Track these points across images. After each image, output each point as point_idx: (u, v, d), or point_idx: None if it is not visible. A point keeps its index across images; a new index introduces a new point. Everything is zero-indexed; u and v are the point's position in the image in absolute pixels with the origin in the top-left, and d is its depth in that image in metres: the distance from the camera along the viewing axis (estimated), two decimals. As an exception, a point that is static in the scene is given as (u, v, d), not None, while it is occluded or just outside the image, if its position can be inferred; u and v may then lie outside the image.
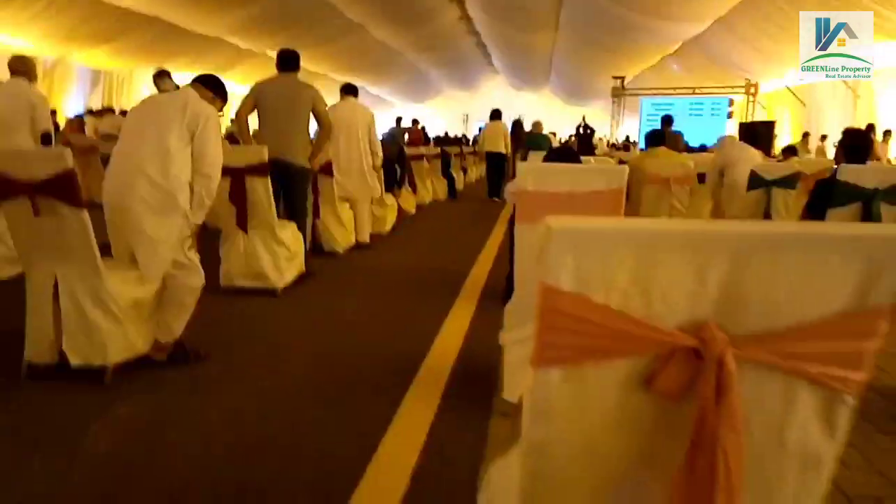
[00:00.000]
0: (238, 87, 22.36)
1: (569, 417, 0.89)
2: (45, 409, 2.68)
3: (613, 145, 20.97)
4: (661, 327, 0.82)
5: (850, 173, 3.81)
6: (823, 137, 16.54)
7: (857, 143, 3.99)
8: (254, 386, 2.99)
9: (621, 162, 10.91)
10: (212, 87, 3.36)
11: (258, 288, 4.52)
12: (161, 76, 6.09)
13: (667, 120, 8.07)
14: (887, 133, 13.04)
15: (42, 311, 2.86)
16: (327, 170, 5.86)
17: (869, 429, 2.69)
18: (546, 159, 3.28)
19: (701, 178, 6.10)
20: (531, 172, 2.59)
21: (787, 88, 19.67)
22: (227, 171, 4.32)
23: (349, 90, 6.35)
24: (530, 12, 17.57)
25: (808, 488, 0.91)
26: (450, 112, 38.50)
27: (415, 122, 17.71)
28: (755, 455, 0.89)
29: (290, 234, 4.71)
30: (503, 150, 11.64)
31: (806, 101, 19.32)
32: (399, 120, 16.16)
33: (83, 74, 17.07)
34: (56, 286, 2.83)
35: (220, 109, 3.41)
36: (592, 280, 0.81)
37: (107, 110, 14.45)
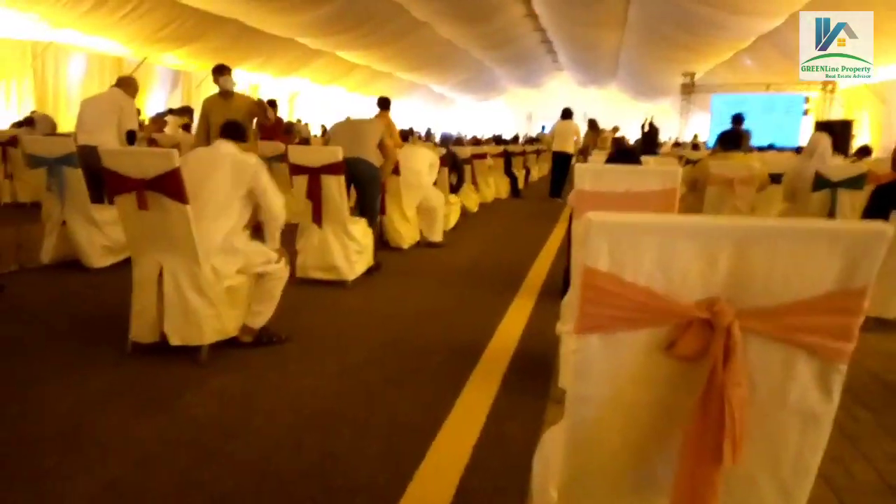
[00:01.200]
0: (309, 85, 23.22)
1: (605, 375, 1.09)
2: (149, 379, 3.05)
3: (678, 143, 20.55)
4: (680, 302, 1.01)
5: (916, 174, 3.80)
6: (905, 136, 15.75)
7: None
8: (329, 366, 3.29)
9: (688, 161, 10.84)
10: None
11: (331, 280, 4.84)
12: (222, 72, 5.86)
13: (737, 119, 7.95)
14: None
15: (147, 295, 3.25)
16: (395, 169, 6.15)
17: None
18: (609, 161, 3.43)
19: (776, 178, 6.07)
20: (589, 173, 2.77)
21: (867, 86, 18.81)
22: (304, 169, 4.71)
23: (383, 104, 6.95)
24: (598, 8, 17.47)
25: (809, 443, 1.09)
26: (513, 110, 38.52)
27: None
28: (761, 414, 1.07)
29: (360, 229, 5.01)
30: (570, 150, 11.67)
31: (888, 98, 18.43)
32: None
33: (164, 75, 18.11)
34: (161, 274, 3.20)
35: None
36: (624, 262, 1.01)
37: (186, 109, 15.32)
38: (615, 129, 15.98)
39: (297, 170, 4.78)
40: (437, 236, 6.78)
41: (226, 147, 3.40)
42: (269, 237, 3.54)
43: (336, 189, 4.73)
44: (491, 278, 5.41)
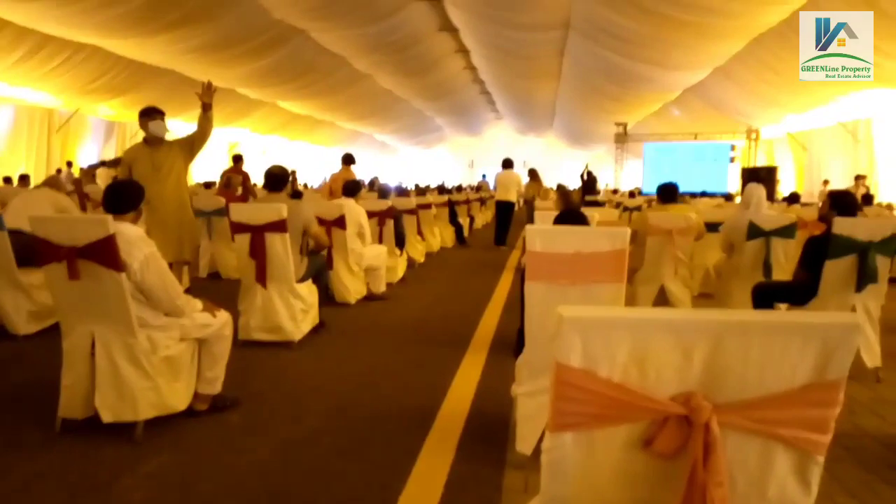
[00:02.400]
0: (249, 135, 23.00)
1: (581, 474, 1.04)
2: (81, 461, 2.82)
3: (615, 190, 21.28)
4: (656, 398, 0.98)
5: (845, 227, 3.99)
6: (825, 182, 16.78)
7: (845, 201, 4.18)
8: (276, 437, 3.12)
9: (626, 209, 11.17)
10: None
11: (276, 341, 4.67)
12: (151, 115, 4.98)
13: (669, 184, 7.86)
14: (859, 177, 13.32)
15: (78, 369, 3.03)
16: (341, 223, 6.07)
17: (870, 478, 2.78)
18: (556, 221, 3.47)
19: (712, 226, 6.29)
20: (539, 234, 2.77)
21: (789, 134, 20.06)
22: (247, 228, 4.58)
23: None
24: (533, 61, 18.12)
25: (788, 536, 1.06)
26: (455, 157, 39.20)
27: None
28: (741, 507, 1.04)
29: (305, 286, 4.88)
30: (513, 199, 11.94)
31: (807, 146, 19.68)
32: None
33: (98, 126, 17.64)
34: (93, 345, 3.00)
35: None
36: (597, 358, 0.97)
37: (119, 161, 14.89)
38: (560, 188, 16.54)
39: (238, 228, 4.64)
40: (381, 288, 6.69)
41: (115, 224, 2.93)
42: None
43: (281, 247, 4.61)
44: (440, 333, 5.34)
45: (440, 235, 11.44)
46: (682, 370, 0.98)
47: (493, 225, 13.10)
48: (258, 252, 4.56)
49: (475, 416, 3.45)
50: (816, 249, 4.07)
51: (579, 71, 18.63)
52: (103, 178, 13.38)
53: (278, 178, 5.01)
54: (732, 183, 20.95)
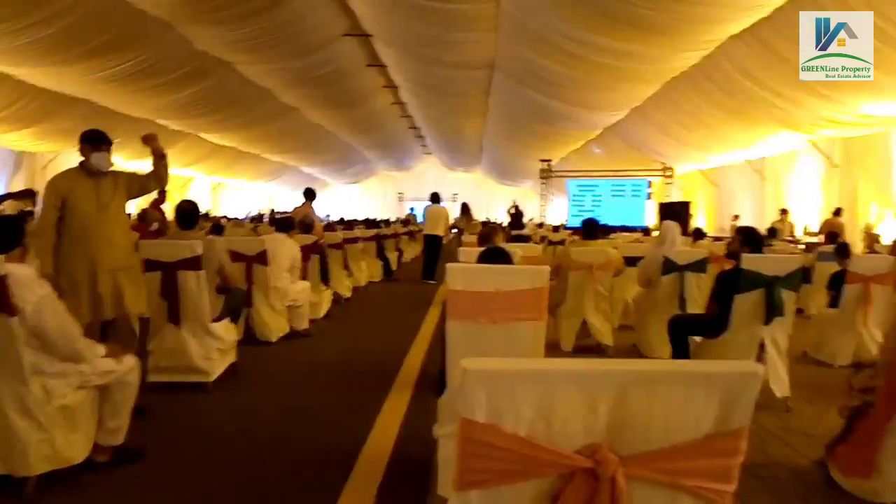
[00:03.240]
0: (172, 170, 22.22)
1: (488, 533, 0.99)
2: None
3: (541, 224, 21.80)
4: (562, 452, 0.95)
5: (753, 262, 4.18)
6: (735, 217, 17.72)
7: (753, 238, 4.41)
8: (185, 491, 2.93)
9: (551, 242, 11.41)
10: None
11: (188, 381, 4.43)
12: (98, 144, 4.02)
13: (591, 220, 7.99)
14: (784, 211, 14.10)
15: (-37, 420, 2.75)
16: (261, 259, 5.90)
17: (780, 508, 2.86)
18: (480, 257, 3.47)
19: (638, 261, 6.51)
20: (460, 273, 2.76)
21: (701, 171, 21.18)
22: (157, 265, 4.36)
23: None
24: (460, 99, 18.47)
25: (698, 587, 1.04)
26: (384, 191, 39.18)
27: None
28: (651, 559, 1.02)
29: (222, 324, 4.68)
30: (441, 233, 12.00)
31: (718, 183, 20.83)
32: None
33: (5, 157, 16.63)
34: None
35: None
36: (503, 412, 0.94)
37: (27, 193, 14.05)
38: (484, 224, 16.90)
39: (150, 265, 4.41)
40: (304, 324, 6.51)
41: (3, 265, 2.71)
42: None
43: (194, 285, 4.40)
44: (364, 371, 5.22)
45: (368, 269, 11.33)
46: (588, 422, 0.96)
47: (422, 259, 13.12)
48: (170, 291, 4.34)
49: (398, 458, 3.36)
50: (726, 284, 4.24)
51: (505, 109, 19.12)
52: (12, 212, 12.56)
53: (189, 214, 4.82)
54: (649, 217, 21.84)
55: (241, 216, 23.21)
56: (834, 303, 5.96)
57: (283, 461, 3.29)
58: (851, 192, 14.20)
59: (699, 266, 5.60)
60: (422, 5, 10.91)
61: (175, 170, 22.45)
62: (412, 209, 30.53)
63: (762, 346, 4.23)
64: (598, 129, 19.30)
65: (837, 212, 12.73)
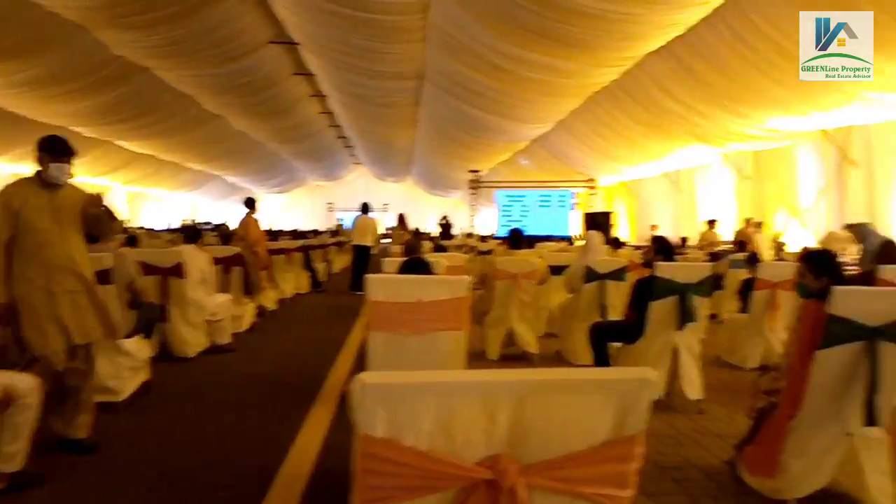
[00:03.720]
0: (83, 178, 21.14)
1: (390, 551, 0.97)
2: None
3: (470, 234, 22.03)
4: (463, 464, 0.94)
5: (667, 270, 4.34)
6: (654, 227, 18.43)
7: (665, 247, 4.59)
8: (87, 518, 2.76)
9: (480, 252, 11.52)
10: None
11: (97, 402, 4.18)
12: (60, 154, 3.53)
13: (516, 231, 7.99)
14: (712, 222, 14.46)
15: None
16: (177, 271, 5.67)
17: (692, 508, 2.95)
18: (401, 268, 3.45)
19: (562, 270, 6.67)
20: (381, 284, 2.73)
21: (622, 183, 21.96)
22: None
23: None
24: (390, 109, 18.45)
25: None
26: (313, 201, 38.59)
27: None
28: (554, 568, 1.02)
29: (134, 342, 4.46)
30: (370, 244, 11.90)
31: (638, 194, 21.65)
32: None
33: None
34: None
35: None
36: (402, 426, 0.92)
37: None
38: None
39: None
40: (225, 339, 6.30)
41: None
42: None
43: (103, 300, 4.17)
44: (287, 385, 5.08)
45: (294, 280, 11.12)
46: (488, 433, 0.95)
47: (351, 270, 12.98)
48: (77, 306, 4.10)
49: (320, 473, 3.28)
50: (642, 291, 4.39)
51: (435, 120, 19.23)
52: None
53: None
54: (574, 227, 22.44)
55: (158, 228, 22.30)
56: (744, 308, 6.26)
57: (198, 484, 3.16)
58: (761, 203, 15.04)
59: (618, 274, 5.78)
60: (348, 15, 10.85)
61: (89, 179, 21.38)
62: (341, 219, 30.23)
63: (676, 351, 4.39)
64: (526, 141, 19.70)
65: (749, 222, 13.40)
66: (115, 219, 3.93)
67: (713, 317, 8.16)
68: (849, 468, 2.80)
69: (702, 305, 4.47)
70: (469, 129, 18.14)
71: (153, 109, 16.13)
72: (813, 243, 12.55)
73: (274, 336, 7.34)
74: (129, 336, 4.41)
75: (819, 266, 2.96)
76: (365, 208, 12.43)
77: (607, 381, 0.96)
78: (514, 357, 6.05)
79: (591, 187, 22.29)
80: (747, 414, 3.29)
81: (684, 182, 18.65)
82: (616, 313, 5.61)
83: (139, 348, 4.49)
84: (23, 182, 3.61)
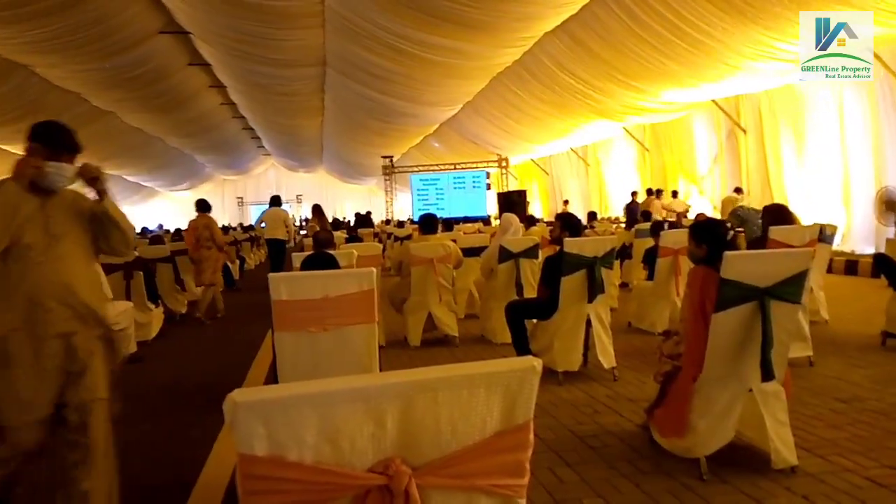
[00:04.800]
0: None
1: (285, 569, 0.93)
2: None
3: (387, 221, 21.92)
4: (352, 472, 0.91)
5: (575, 245, 4.45)
6: (566, 202, 18.94)
7: (572, 223, 4.70)
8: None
9: (397, 238, 11.46)
10: None
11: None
12: (59, 150, 2.61)
13: (429, 216, 7.92)
14: (659, 192, 14.11)
15: None
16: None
17: (611, 474, 3.05)
18: (304, 264, 3.35)
19: (477, 251, 6.84)
20: (284, 281, 2.64)
21: (533, 161, 22.40)
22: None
23: None
24: (293, 98, 17.99)
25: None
26: (222, 196, 37.25)
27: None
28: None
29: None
30: (282, 237, 11.57)
31: (549, 170, 22.16)
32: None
33: None
34: None
35: None
36: (284, 441, 0.88)
37: None
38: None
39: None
40: (130, 348, 5.98)
41: None
42: None
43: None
44: (200, 394, 4.88)
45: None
46: (377, 437, 0.92)
47: (267, 266, 12.62)
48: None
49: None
50: (553, 267, 4.48)
51: (341, 107, 18.91)
52: None
53: None
54: (490, 206, 22.76)
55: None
56: (650, 275, 6.53)
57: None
58: (662, 173, 15.73)
59: (531, 252, 5.88)
60: (238, 2, 10.43)
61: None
62: (261, 221, 29.32)
63: (589, 323, 4.53)
64: (436, 124, 19.73)
65: (651, 191, 13.97)
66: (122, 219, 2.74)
67: (624, 285, 8.49)
68: (752, 422, 2.97)
69: (608, 277, 4.61)
70: (377, 114, 17.96)
71: (37, 109, 14.94)
72: (710, 209, 13.26)
73: (185, 341, 7.04)
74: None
75: (699, 235, 3.11)
76: (276, 201, 12.06)
77: (491, 374, 0.95)
78: (436, 341, 6.07)
79: (504, 167, 22.61)
80: (654, 378, 3.43)
81: (591, 157, 19.25)
82: (532, 290, 5.71)
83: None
84: (5, 185, 2.55)
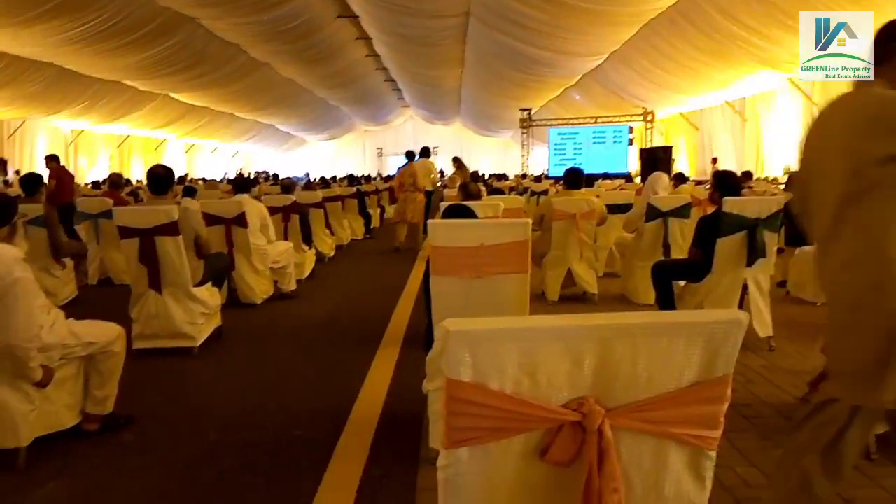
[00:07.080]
0: (140, 132, 21.72)
1: (478, 489, 1.00)
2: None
3: (524, 175, 21.68)
4: (548, 406, 0.94)
5: (735, 205, 4.18)
6: (714, 160, 17.72)
7: (730, 183, 4.39)
8: (174, 456, 2.93)
9: (534, 193, 11.36)
10: None
11: (174, 347, 4.41)
12: None
13: (574, 170, 7.88)
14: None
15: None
16: (241, 221, 5.81)
17: (766, 445, 2.92)
18: (444, 215, 3.42)
19: (620, 209, 6.67)
20: (442, 228, 2.73)
21: (681, 115, 21.07)
22: (134, 232, 4.28)
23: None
24: (435, 49, 18.08)
25: (686, 531, 1.06)
26: (363, 147, 38.66)
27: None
28: (639, 507, 1.03)
29: (205, 290, 4.64)
30: (429, 187, 11.84)
31: (699, 125, 20.75)
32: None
33: (-31, 126, 16.15)
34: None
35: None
36: (487, 371, 0.92)
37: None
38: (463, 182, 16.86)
39: (126, 232, 4.33)
40: (290, 286, 6.48)
41: None
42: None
43: (174, 251, 4.33)
44: (351, 330, 5.22)
45: (350, 227, 11.26)
46: (573, 376, 0.95)
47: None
48: (149, 257, 4.27)
49: (388, 415, 3.38)
50: (708, 228, 4.25)
51: (482, 58, 18.76)
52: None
53: (163, 179, 4.70)
54: (632, 163, 21.81)
55: (217, 178, 22.83)
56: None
57: (274, 422, 3.31)
58: (830, 130, 14.20)
59: (682, 211, 5.61)
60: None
61: (146, 132, 21.94)
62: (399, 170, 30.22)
63: (745, 288, 4.28)
64: (578, 76, 19.06)
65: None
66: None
67: (780, 251, 7.88)
68: None
69: (771, 241, 4.30)
70: (518, 65, 17.64)
71: (202, 60, 16.28)
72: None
73: (334, 282, 7.51)
74: (199, 284, 4.59)
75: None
76: (425, 152, 12.23)
77: (695, 324, 0.93)
78: (573, 298, 6.03)
79: (649, 121, 21.49)
80: (822, 351, 3.19)
81: (748, 111, 17.75)
82: (680, 252, 5.48)
83: (210, 296, 4.67)
84: None
